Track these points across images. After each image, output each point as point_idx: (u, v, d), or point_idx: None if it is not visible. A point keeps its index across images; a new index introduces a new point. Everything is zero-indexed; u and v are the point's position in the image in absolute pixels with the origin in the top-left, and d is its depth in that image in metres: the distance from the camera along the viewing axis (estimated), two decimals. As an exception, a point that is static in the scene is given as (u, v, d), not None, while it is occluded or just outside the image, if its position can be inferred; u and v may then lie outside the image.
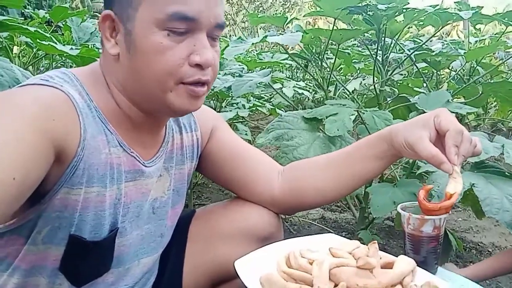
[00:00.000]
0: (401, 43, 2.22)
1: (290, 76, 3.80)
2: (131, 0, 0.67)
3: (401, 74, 2.35)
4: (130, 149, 0.74)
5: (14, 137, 0.55)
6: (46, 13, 2.14)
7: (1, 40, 2.06)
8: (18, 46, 2.14)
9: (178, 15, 0.65)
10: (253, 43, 1.30)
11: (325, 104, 1.37)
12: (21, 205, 0.60)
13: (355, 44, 3.30)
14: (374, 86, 1.53)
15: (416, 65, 1.62)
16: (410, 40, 2.72)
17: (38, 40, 1.43)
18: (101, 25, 0.69)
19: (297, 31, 1.34)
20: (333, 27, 1.42)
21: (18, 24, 1.51)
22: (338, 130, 1.20)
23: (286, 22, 1.55)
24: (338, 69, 2.56)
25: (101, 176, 0.69)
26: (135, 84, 0.70)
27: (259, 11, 10.61)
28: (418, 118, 0.78)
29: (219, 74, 1.95)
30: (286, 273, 0.64)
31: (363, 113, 1.27)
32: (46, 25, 2.30)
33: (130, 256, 0.79)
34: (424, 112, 1.29)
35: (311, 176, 0.88)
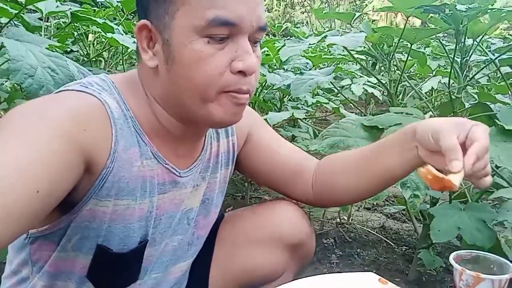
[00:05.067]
0: (486, 41, 1.98)
1: (365, 67, 3.57)
2: (167, 8, 0.63)
3: (485, 74, 2.11)
4: (165, 160, 0.71)
5: (41, 149, 0.53)
6: (118, 1, 2.20)
7: (79, 32, 2.17)
8: (93, 33, 2.24)
9: (218, 20, 0.61)
10: (310, 44, 1.21)
11: (389, 112, 1.25)
12: (53, 213, 0.60)
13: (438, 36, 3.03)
14: (450, 93, 1.37)
15: (500, 71, 1.43)
16: (500, 38, 2.44)
17: (102, 33, 1.47)
18: (137, 35, 0.66)
19: (361, 31, 1.23)
20: (405, 26, 1.29)
21: (88, 16, 1.56)
22: (400, 143, 1.09)
23: (354, 18, 1.44)
24: (410, 70, 2.36)
25: (132, 189, 0.67)
26: (175, 97, 0.67)
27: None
28: (454, 118, 0.71)
29: (282, 69, 1.89)
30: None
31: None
32: (120, 13, 2.37)
33: (158, 266, 0.77)
34: (504, 128, 1.13)
35: (341, 176, 0.85)
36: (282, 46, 1.26)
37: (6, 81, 1.76)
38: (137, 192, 0.68)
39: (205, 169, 0.80)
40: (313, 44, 1.22)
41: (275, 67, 2.03)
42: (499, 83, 1.92)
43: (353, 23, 1.51)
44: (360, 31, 1.24)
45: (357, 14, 1.46)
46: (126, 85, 0.70)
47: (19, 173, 0.50)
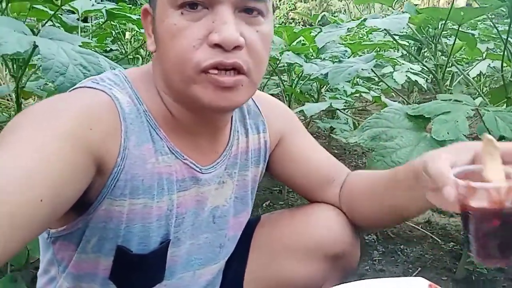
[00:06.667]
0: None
1: (408, 55, 3.39)
2: None
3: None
4: (183, 156, 0.67)
5: (46, 154, 0.51)
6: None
7: (117, 30, 2.19)
8: (129, 31, 2.26)
9: None
10: (349, 28, 1.15)
11: (436, 99, 1.16)
12: (70, 214, 0.59)
13: (485, 18, 2.82)
14: (502, 76, 1.26)
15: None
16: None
17: (136, 29, 1.47)
18: (142, 22, 0.64)
19: (404, 12, 1.14)
20: (451, 5, 1.19)
21: (122, 13, 1.57)
22: (448, 133, 1.00)
23: (396, 1, 1.35)
24: (458, 53, 2.21)
25: (148, 187, 0.64)
26: (166, 79, 0.63)
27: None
28: (459, 143, 0.63)
29: (319, 59, 1.82)
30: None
31: (484, 113, 1.04)
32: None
33: (185, 267, 0.74)
34: None
35: (357, 202, 0.81)
36: (318, 33, 1.20)
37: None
38: (154, 190, 0.65)
39: (232, 165, 0.76)
40: (351, 28, 1.15)
41: (312, 57, 1.96)
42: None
43: (394, 7, 1.42)
44: (403, 12, 1.15)
45: (399, -4, 1.37)
46: (140, 78, 0.67)
47: (22, 180, 0.48)
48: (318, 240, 0.80)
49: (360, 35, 2.96)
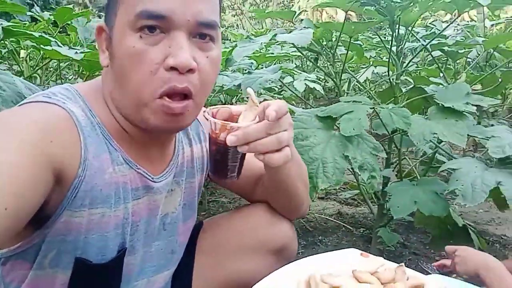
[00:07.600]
0: (414, 31, 2.14)
1: (301, 65, 3.66)
2: (113, 5, 0.64)
3: (415, 63, 2.27)
4: (137, 165, 0.70)
5: (8, 165, 0.51)
6: (50, 15, 2.11)
7: (8, 47, 2.04)
8: (25, 49, 2.12)
9: (145, 13, 0.60)
10: (262, 43, 1.25)
11: (339, 101, 1.32)
12: (25, 229, 0.58)
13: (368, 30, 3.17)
14: (390, 79, 1.47)
15: (432, 55, 1.56)
16: (422, 27, 2.63)
17: (41, 46, 1.41)
18: (97, 38, 0.67)
19: (305, 27, 1.28)
20: (344, 20, 1.36)
21: (22, 30, 1.48)
22: (354, 129, 1.15)
23: (295, 16, 1.49)
24: (350, 61, 2.49)
25: (106, 196, 0.66)
26: (118, 95, 0.66)
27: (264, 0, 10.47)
28: None
29: (226, 70, 1.91)
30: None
31: (380, 110, 1.22)
32: (52, 26, 2.26)
33: (139, 274, 0.76)
34: (443, 106, 1.24)
35: (269, 197, 0.89)
36: (234, 47, 1.29)
37: None
38: (112, 199, 0.67)
39: (180, 173, 0.79)
40: (265, 43, 1.26)
41: (221, 69, 2.05)
42: (429, 67, 2.09)
43: (288, 21, 1.56)
44: (305, 27, 1.29)
45: (297, 12, 1.51)
46: (91, 92, 0.69)
47: None
48: (260, 239, 0.86)
49: (259, 49, 3.13)
